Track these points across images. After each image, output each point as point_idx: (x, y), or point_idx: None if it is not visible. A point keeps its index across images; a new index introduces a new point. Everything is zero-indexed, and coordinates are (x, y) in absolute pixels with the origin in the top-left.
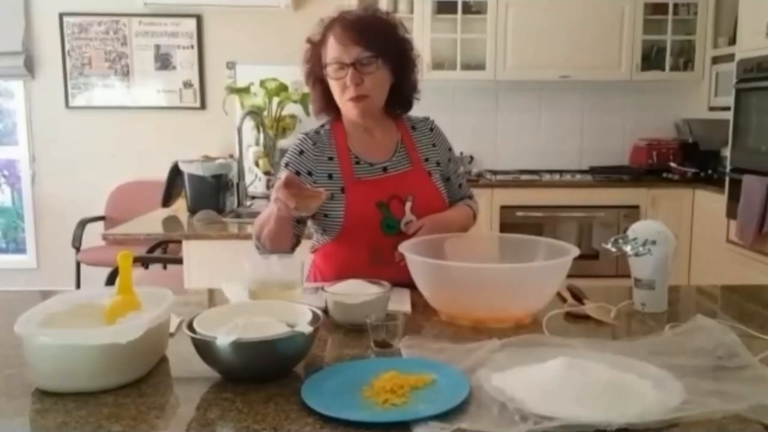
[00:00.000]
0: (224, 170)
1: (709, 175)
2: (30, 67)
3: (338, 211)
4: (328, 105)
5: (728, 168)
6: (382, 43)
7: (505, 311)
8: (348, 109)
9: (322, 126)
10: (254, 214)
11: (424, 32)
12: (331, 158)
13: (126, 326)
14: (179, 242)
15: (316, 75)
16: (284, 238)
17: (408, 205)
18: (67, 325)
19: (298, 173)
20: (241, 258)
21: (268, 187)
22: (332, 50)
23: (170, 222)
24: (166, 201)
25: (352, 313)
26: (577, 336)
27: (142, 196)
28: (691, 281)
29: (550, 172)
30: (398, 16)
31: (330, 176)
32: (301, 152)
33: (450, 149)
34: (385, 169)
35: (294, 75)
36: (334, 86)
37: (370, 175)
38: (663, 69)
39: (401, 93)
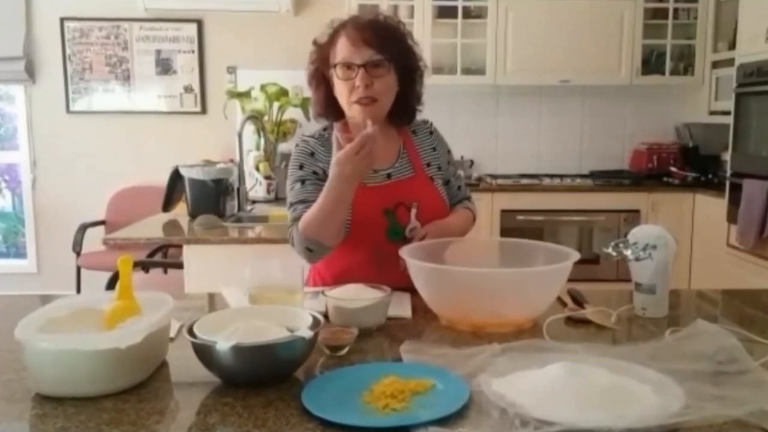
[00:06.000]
0: (225, 175)
1: (710, 180)
2: (31, 71)
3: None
4: (331, 108)
5: (728, 172)
6: (393, 47)
7: (506, 316)
8: (354, 112)
9: (324, 129)
10: (255, 219)
11: (424, 37)
12: None
13: (126, 331)
14: (180, 247)
15: (321, 77)
16: (344, 218)
17: (413, 212)
18: (67, 330)
19: (315, 173)
20: (241, 262)
21: (269, 191)
22: (343, 50)
23: (171, 226)
24: (167, 205)
25: (353, 317)
26: (578, 340)
27: (143, 201)
28: (692, 285)
29: (551, 176)
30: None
31: None
32: (312, 154)
33: (449, 151)
34: (389, 176)
35: (294, 79)
36: (342, 87)
37: (374, 181)
38: (663, 73)
39: (405, 103)
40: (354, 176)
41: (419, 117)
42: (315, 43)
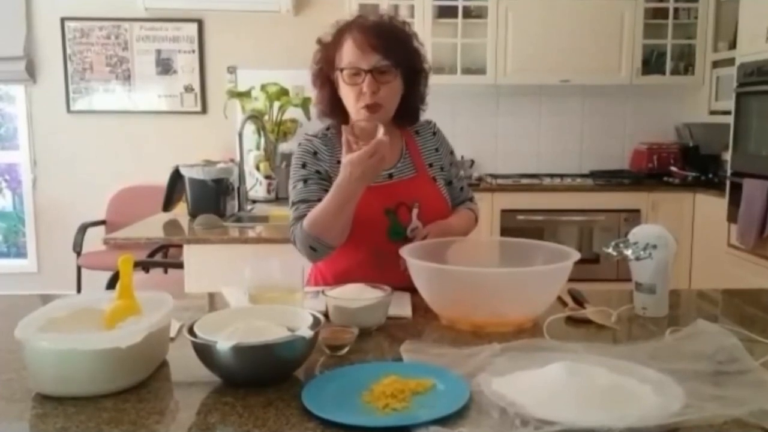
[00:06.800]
0: (225, 174)
1: (710, 179)
2: (31, 71)
3: None
4: (335, 109)
5: (729, 172)
6: (399, 51)
7: (506, 315)
8: (361, 116)
9: (327, 129)
10: (255, 218)
11: (424, 36)
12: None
13: (126, 331)
14: (180, 246)
15: (325, 77)
16: (350, 218)
17: (415, 212)
18: (67, 330)
19: (318, 172)
20: (241, 262)
21: (269, 191)
22: (349, 54)
23: (171, 226)
24: (167, 205)
25: (353, 317)
26: (578, 340)
27: (143, 201)
28: (692, 285)
29: (551, 176)
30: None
31: None
32: (315, 153)
33: (452, 152)
34: (391, 176)
35: (295, 79)
36: (348, 92)
37: (376, 181)
38: (663, 73)
39: (409, 104)
40: (363, 179)
41: (422, 117)
42: (319, 42)
